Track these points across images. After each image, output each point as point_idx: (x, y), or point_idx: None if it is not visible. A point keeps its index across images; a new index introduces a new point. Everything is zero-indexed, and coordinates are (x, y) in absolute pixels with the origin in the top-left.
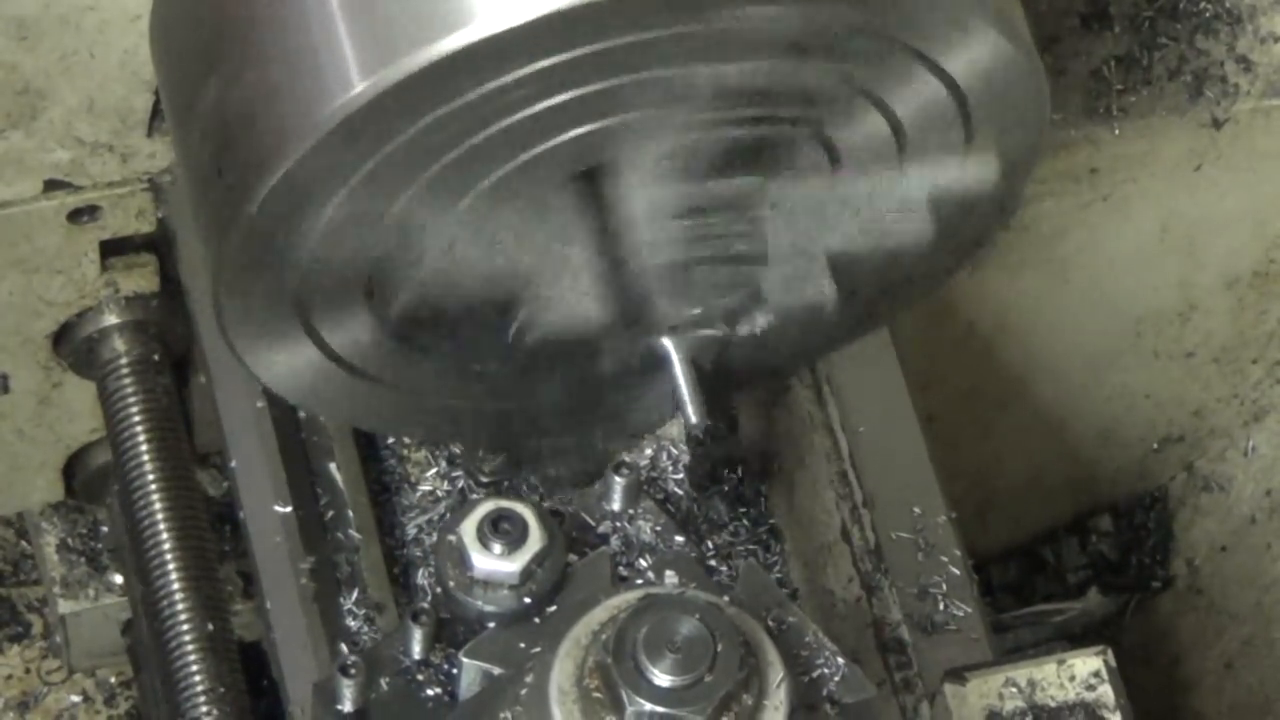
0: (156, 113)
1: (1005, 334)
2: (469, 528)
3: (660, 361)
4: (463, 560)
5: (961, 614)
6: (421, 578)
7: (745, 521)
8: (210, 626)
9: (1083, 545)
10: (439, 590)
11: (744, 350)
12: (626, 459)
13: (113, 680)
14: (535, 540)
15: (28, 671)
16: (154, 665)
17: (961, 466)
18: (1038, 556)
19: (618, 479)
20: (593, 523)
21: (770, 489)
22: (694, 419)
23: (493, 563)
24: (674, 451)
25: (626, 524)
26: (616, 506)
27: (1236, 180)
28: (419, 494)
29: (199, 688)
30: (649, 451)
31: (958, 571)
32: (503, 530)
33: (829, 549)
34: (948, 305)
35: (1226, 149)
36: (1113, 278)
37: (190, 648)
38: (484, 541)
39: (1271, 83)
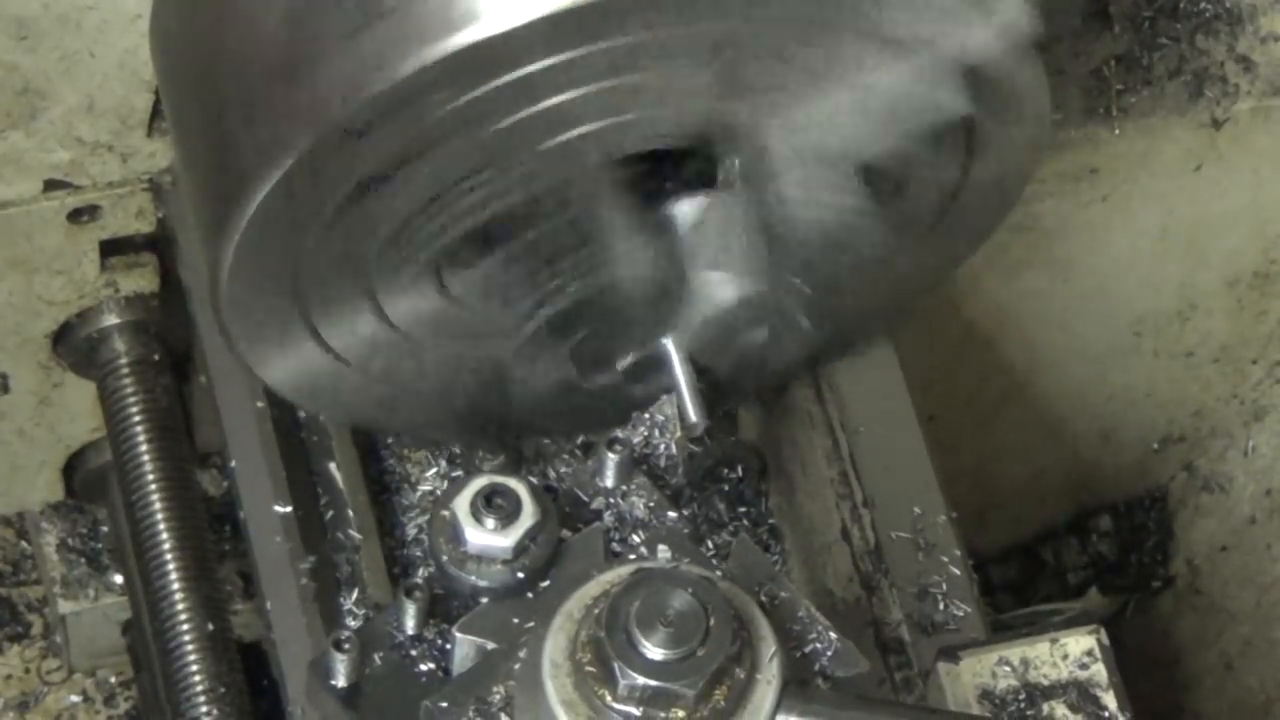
0: (156, 113)
1: (1005, 334)
2: (462, 503)
3: (660, 362)
4: (456, 535)
5: (961, 614)
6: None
7: (745, 521)
8: (210, 626)
9: (1083, 545)
10: (432, 566)
11: (745, 359)
12: (620, 435)
13: (113, 680)
14: (528, 515)
15: (28, 671)
16: (154, 665)
17: (961, 466)
18: (1038, 556)
19: (611, 455)
20: (586, 498)
21: (770, 489)
22: (694, 419)
23: (486, 537)
24: (667, 426)
25: (619, 500)
26: (609, 483)
27: (1236, 180)
28: (419, 494)
29: (199, 688)
30: (643, 429)
31: (958, 571)
32: (496, 505)
33: (829, 549)
34: (948, 305)
35: (1226, 149)
36: (1113, 278)
37: (190, 648)
38: (477, 516)
39: (1271, 83)
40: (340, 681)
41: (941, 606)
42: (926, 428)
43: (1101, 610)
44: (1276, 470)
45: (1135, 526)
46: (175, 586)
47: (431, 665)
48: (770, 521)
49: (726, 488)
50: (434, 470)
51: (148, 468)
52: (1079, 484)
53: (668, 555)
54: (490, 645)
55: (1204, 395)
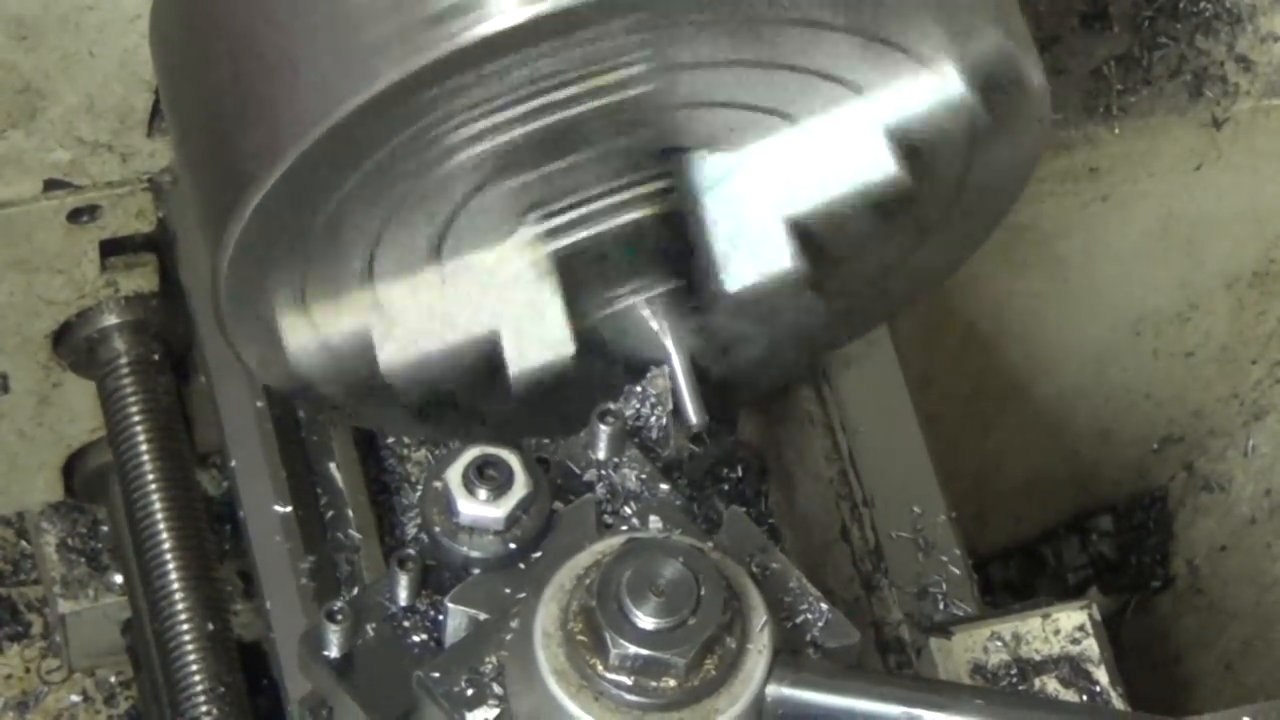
0: (156, 112)
1: (1005, 334)
2: (455, 473)
3: (659, 361)
4: (448, 506)
5: (961, 614)
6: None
7: None
8: (210, 626)
9: (1083, 545)
10: (425, 537)
11: (745, 359)
12: (612, 407)
13: (113, 680)
14: (520, 486)
15: (28, 671)
16: (154, 665)
17: (961, 466)
18: (1038, 556)
19: (603, 427)
20: (578, 470)
21: (770, 489)
22: (694, 419)
23: (478, 508)
24: (659, 399)
25: (611, 472)
26: (602, 455)
27: (1236, 180)
28: (419, 494)
29: (199, 687)
30: (635, 402)
31: (958, 571)
32: (488, 476)
33: (829, 549)
34: (948, 305)
35: (1226, 149)
36: (1113, 278)
37: (190, 648)
38: (469, 487)
39: (1271, 83)
40: (333, 652)
41: (941, 606)
42: (926, 428)
43: (1101, 610)
44: (1276, 470)
45: (1135, 526)
46: (175, 586)
47: (424, 636)
48: (770, 521)
49: (726, 488)
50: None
51: (148, 468)
52: (1079, 484)
53: (659, 526)
54: (482, 616)
55: (1204, 395)
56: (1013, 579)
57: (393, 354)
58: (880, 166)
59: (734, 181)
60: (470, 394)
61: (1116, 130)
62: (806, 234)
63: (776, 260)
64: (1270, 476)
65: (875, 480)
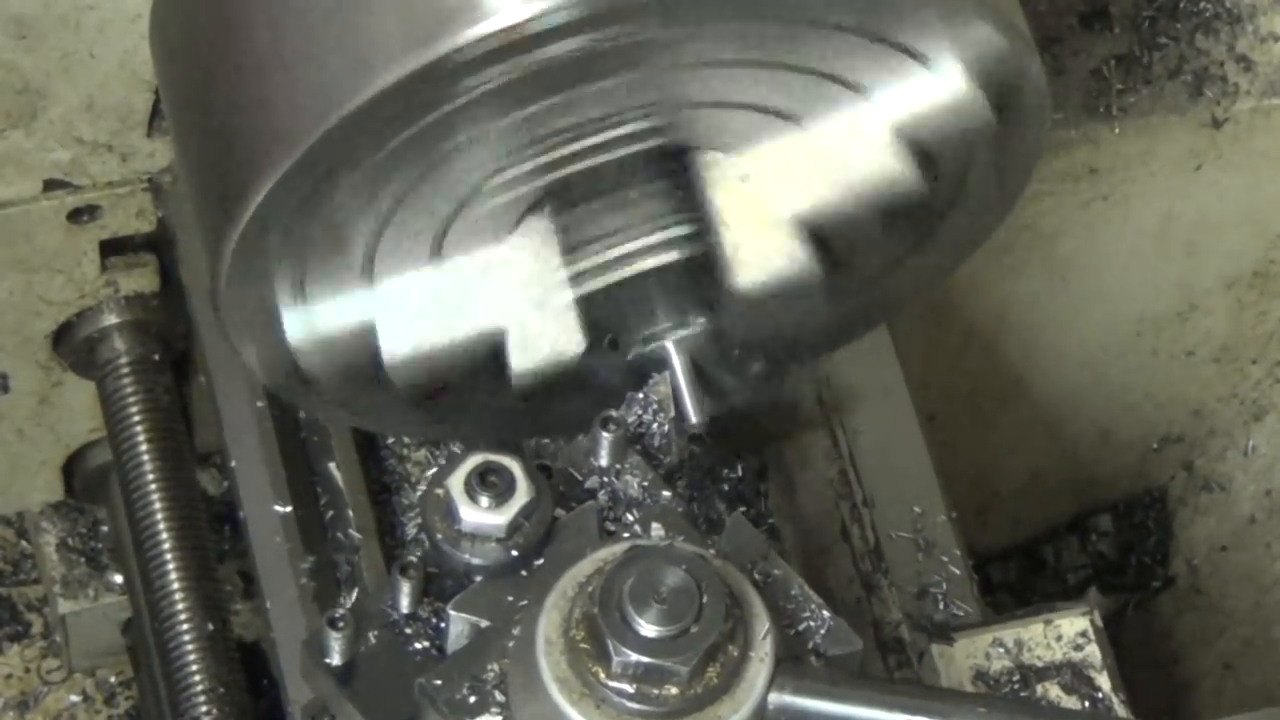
0: (156, 112)
1: (1005, 334)
2: (457, 481)
3: (659, 362)
4: (450, 513)
5: (961, 614)
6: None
7: None
8: (210, 626)
9: (1083, 545)
10: (427, 544)
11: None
12: (614, 414)
13: (113, 680)
14: (522, 493)
15: (28, 671)
16: (154, 665)
17: (961, 466)
18: (1038, 556)
19: (605, 434)
20: (580, 477)
21: (770, 489)
22: (694, 419)
23: (480, 515)
24: (661, 406)
25: (614, 479)
26: (604, 462)
27: (1236, 180)
28: (419, 494)
29: (199, 688)
30: (636, 409)
31: (958, 571)
32: (490, 483)
33: (829, 549)
34: (948, 305)
35: (1226, 149)
36: (1113, 277)
37: (190, 648)
38: (471, 494)
39: (1271, 83)
40: (335, 660)
41: (941, 606)
42: (926, 428)
43: (1101, 610)
44: (1276, 470)
45: (1135, 526)
46: (175, 586)
47: (426, 644)
48: (770, 521)
49: (726, 488)
50: (434, 470)
51: (148, 468)
52: (1079, 484)
53: (661, 533)
54: (484, 623)
55: (1204, 395)
56: (1013, 579)
57: (395, 346)
58: (889, 168)
59: (743, 182)
60: (472, 388)
61: (1116, 130)
62: (816, 235)
63: (786, 260)
64: (1270, 476)
65: (875, 480)
